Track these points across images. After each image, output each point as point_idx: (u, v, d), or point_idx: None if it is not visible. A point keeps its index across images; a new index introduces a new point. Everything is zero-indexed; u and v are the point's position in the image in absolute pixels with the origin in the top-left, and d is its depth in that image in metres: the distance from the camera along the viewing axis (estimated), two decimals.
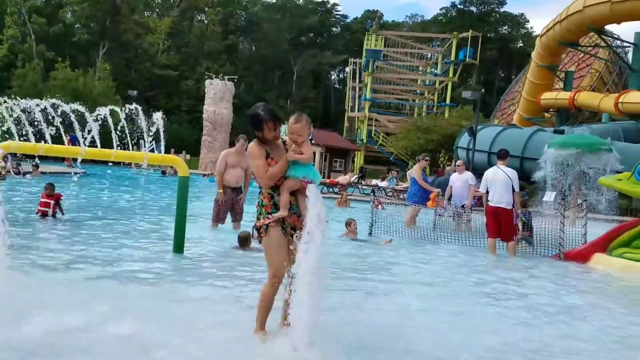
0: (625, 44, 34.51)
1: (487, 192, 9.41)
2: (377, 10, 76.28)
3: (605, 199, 15.03)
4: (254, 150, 3.86)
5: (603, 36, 31.98)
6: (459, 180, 12.25)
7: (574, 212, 11.74)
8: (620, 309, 6.06)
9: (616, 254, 8.76)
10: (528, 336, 4.58)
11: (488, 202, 9.35)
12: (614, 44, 34.99)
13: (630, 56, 32.97)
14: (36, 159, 10.93)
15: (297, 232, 3.72)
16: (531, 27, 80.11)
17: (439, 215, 11.97)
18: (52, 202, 9.56)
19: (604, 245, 9.03)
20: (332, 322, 4.17)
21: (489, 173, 9.46)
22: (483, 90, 53.58)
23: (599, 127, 28.27)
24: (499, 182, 9.19)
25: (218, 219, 9.09)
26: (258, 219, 3.88)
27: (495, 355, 4.01)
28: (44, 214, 9.52)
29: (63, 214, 9.81)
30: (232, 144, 10.03)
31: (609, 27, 33.06)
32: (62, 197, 9.98)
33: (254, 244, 7.69)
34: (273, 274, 3.74)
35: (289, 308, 3.57)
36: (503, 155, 9.75)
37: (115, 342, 3.58)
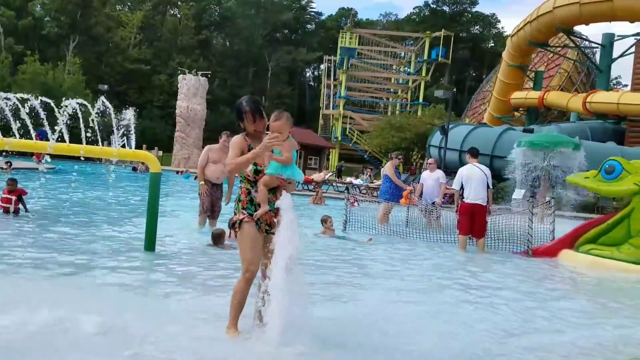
0: (594, 45, 35.32)
1: (462, 189, 9.43)
2: (352, 8, 76.71)
3: (572, 197, 15.40)
4: (234, 140, 3.86)
5: (572, 37, 32.64)
6: (430, 178, 12.39)
7: (542, 209, 11.99)
8: (584, 303, 6.22)
9: (583, 250, 8.97)
10: (494, 329, 4.66)
11: (463, 200, 9.35)
12: (582, 45, 35.75)
13: (598, 57, 33.77)
14: (3, 155, 10.64)
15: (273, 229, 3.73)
16: (502, 27, 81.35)
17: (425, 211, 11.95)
18: (13, 198, 9.28)
19: (571, 241, 9.24)
20: (308, 318, 4.18)
21: (464, 170, 9.44)
22: (455, 90, 54.44)
23: (567, 126, 28.92)
24: (475, 179, 9.23)
25: (203, 211, 9.00)
26: (235, 213, 3.87)
27: (459, 347, 4.08)
28: (6, 210, 9.24)
29: (27, 210, 9.54)
30: (206, 140, 9.95)
31: (578, 28, 33.76)
32: (25, 193, 9.70)
33: (227, 241, 7.66)
34: (246, 269, 3.73)
35: (263, 307, 3.57)
36: (476, 153, 9.80)
37: (83, 340, 3.52)
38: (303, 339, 3.58)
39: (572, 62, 38.70)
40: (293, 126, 3.92)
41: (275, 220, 3.78)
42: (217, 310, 4.27)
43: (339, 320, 4.54)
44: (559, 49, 36.91)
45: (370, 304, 5.25)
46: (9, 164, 20.91)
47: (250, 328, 3.82)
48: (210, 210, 9.00)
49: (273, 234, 3.75)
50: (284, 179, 3.80)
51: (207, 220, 9.04)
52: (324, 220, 9.95)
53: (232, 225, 3.88)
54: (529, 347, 4.24)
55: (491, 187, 9.47)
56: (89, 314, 3.87)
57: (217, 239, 7.59)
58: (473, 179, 9.23)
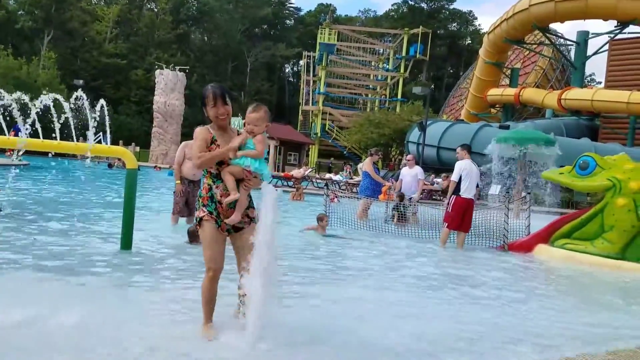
0: (569, 42, 35.91)
1: (459, 182, 9.31)
2: (331, 4, 76.63)
3: (547, 192, 15.64)
4: (197, 131, 3.70)
5: (547, 34, 33.11)
6: (409, 174, 12.48)
7: (517, 205, 12.16)
8: (557, 295, 6.34)
9: (558, 244, 9.13)
10: (467, 323, 4.72)
11: (460, 194, 9.28)
12: (557, 42, 36.30)
13: (572, 54, 34.32)
14: None
15: (244, 225, 3.70)
16: (479, 25, 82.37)
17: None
18: None
19: (546, 236, 9.40)
20: (283, 316, 4.17)
21: (465, 164, 9.36)
22: (433, 86, 54.77)
23: (542, 123, 29.38)
24: (474, 176, 9.35)
25: (175, 211, 8.83)
26: (196, 209, 3.75)
27: (431, 340, 4.12)
28: None
29: (0, 209, 9.18)
30: (184, 136, 9.76)
31: (553, 26, 34.27)
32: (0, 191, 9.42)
33: None
34: (207, 267, 3.66)
35: (242, 303, 3.56)
36: (470, 149, 9.81)
37: (55, 340, 3.46)
38: (278, 336, 3.59)
39: (548, 59, 39.27)
40: (271, 121, 3.80)
41: (237, 216, 3.66)
42: (192, 307, 4.24)
43: (314, 318, 4.54)
44: (534, 46, 37.41)
45: (346, 301, 5.26)
46: None
47: (227, 325, 3.79)
48: (187, 208, 8.85)
49: (240, 229, 3.71)
50: (250, 172, 3.66)
51: (185, 217, 8.92)
52: (320, 219, 9.79)
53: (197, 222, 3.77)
54: (507, 341, 4.30)
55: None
56: (61, 314, 3.82)
57: (193, 236, 7.47)
58: (473, 175, 9.30)
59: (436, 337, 4.23)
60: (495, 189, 15.08)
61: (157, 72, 40.63)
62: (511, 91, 33.59)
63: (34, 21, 51.90)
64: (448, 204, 9.49)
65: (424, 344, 4.03)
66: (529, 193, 11.20)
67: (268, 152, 3.81)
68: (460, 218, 9.30)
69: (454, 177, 9.43)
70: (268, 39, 74.25)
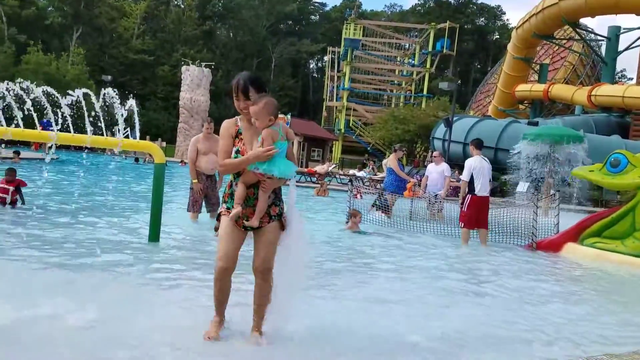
0: (599, 38, 35.13)
1: (471, 181, 9.14)
2: None
3: (576, 190, 15.35)
4: (223, 126, 3.60)
5: (577, 29, 32.44)
6: (435, 171, 12.37)
7: (546, 203, 11.95)
8: (586, 296, 6.21)
9: (587, 243, 8.95)
10: (491, 322, 4.67)
11: (475, 193, 9.09)
12: (588, 37, 35.56)
13: (603, 49, 33.57)
14: (3, 145, 10.53)
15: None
16: (507, 19, 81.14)
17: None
18: (11, 188, 8.85)
19: (575, 235, 9.21)
20: (308, 309, 4.17)
21: (475, 162, 9.17)
22: (459, 82, 54.12)
23: (572, 119, 28.83)
24: (487, 172, 9.16)
25: (194, 209, 8.72)
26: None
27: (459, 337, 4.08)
28: (2, 201, 8.80)
29: (23, 202, 9.13)
30: None
31: (584, 21, 33.55)
32: (25, 184, 9.30)
33: None
34: (217, 259, 3.52)
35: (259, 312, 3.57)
36: (481, 144, 9.61)
37: (82, 332, 3.51)
38: (300, 330, 3.59)
39: (578, 54, 38.49)
40: (278, 113, 3.54)
41: (255, 222, 3.49)
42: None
43: (337, 313, 4.53)
44: (564, 41, 36.70)
45: (370, 297, 5.24)
46: (17, 153, 20.97)
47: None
48: (209, 203, 8.78)
49: (259, 227, 3.56)
50: (262, 174, 3.43)
51: (209, 213, 8.88)
52: (353, 215, 9.69)
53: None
54: (533, 339, 4.23)
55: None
56: (88, 306, 3.87)
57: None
58: (484, 171, 9.10)
59: (460, 335, 4.18)
60: (523, 187, 14.85)
61: (184, 68, 41.01)
62: (540, 87, 33.02)
63: (63, 17, 52.89)
64: (463, 203, 9.27)
65: (447, 343, 4.00)
66: (558, 191, 11.00)
67: (287, 147, 3.54)
68: (476, 217, 9.13)
69: (465, 176, 9.22)
70: (293, 34, 74.34)
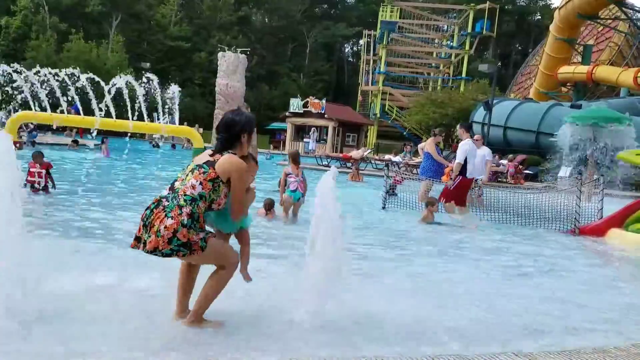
0: None
1: (464, 163, 9.50)
2: None
3: (622, 174, 14.85)
4: (243, 167, 3.50)
5: (624, 8, 31.20)
6: (477, 155, 12.14)
7: (589, 188, 11.62)
8: (629, 281, 6.04)
9: (633, 229, 8.69)
10: (533, 308, 4.62)
11: (466, 176, 9.53)
12: (634, 17, 34.15)
13: None
14: (52, 133, 10.80)
15: None
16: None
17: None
18: (42, 171, 8.80)
19: (620, 220, 8.98)
20: (346, 294, 4.18)
21: (468, 146, 9.56)
22: (499, 64, 52.84)
23: (617, 102, 27.75)
24: (479, 156, 10.08)
25: None
26: (190, 233, 3.29)
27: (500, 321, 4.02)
28: (33, 185, 8.73)
29: (54, 185, 9.10)
30: None
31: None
32: (52, 167, 9.18)
33: (277, 212, 8.18)
34: (233, 262, 3.59)
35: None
36: (471, 127, 10.15)
37: (126, 308, 3.64)
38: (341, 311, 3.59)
39: (623, 35, 37.02)
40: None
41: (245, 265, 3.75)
42: (257, 280, 4.32)
43: (373, 296, 4.55)
44: (609, 21, 35.38)
45: (408, 281, 5.22)
46: (75, 142, 21.74)
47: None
48: None
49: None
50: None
51: None
52: (430, 203, 9.39)
53: (184, 244, 3.27)
54: (575, 326, 4.15)
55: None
56: (132, 280, 4.01)
57: (269, 207, 8.07)
58: (477, 155, 9.69)
59: (501, 321, 4.13)
60: (565, 171, 14.45)
61: (220, 54, 41.06)
62: (583, 69, 31.97)
63: (102, 5, 53.79)
64: (453, 184, 9.58)
65: (485, 328, 3.95)
66: (602, 175, 10.68)
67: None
68: (460, 197, 9.57)
69: (460, 158, 9.53)
70: (328, 18, 73.76)
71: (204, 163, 3.47)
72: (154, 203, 3.40)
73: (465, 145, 9.57)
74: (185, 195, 3.36)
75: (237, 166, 3.45)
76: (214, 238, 3.52)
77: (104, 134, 19.14)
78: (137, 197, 9.60)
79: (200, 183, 3.39)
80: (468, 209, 9.87)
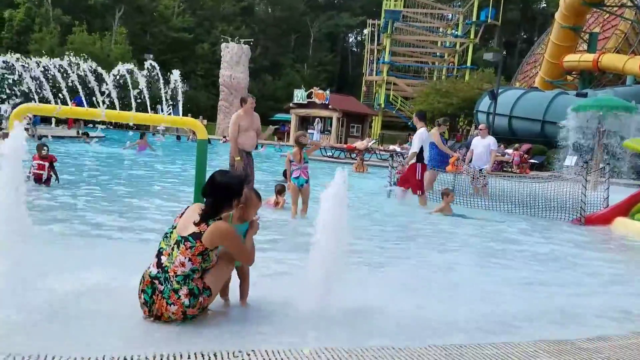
0: None
1: (421, 151, 9.82)
2: None
3: (627, 163, 14.79)
4: (231, 229, 3.42)
5: None
6: (481, 144, 12.09)
7: (595, 176, 11.56)
8: (636, 270, 6.02)
9: (639, 218, 8.64)
10: (541, 294, 4.61)
11: (424, 162, 9.87)
12: None
13: None
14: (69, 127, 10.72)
15: None
16: None
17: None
18: (46, 164, 8.78)
19: (626, 209, 8.94)
20: (354, 282, 4.17)
21: (423, 134, 9.89)
22: (504, 53, 52.33)
23: (623, 90, 27.53)
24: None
25: None
26: (193, 305, 3.27)
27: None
28: (38, 178, 8.71)
29: (58, 179, 9.12)
30: None
31: None
32: (55, 160, 9.19)
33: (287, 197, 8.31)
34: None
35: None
36: (425, 116, 10.66)
37: (134, 303, 3.62)
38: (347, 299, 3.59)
39: (630, 22, 36.63)
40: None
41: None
42: (263, 277, 4.32)
43: (382, 287, 4.53)
44: (615, 8, 35.02)
45: (415, 275, 5.21)
46: (86, 134, 21.87)
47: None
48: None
49: None
50: None
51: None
52: (445, 194, 9.23)
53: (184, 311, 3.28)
54: (588, 315, 4.13)
55: None
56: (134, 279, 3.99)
57: (282, 190, 8.40)
58: (428, 142, 10.02)
59: (505, 312, 4.12)
60: (571, 160, 14.38)
61: (223, 45, 41.18)
62: (589, 57, 31.71)
63: None
64: (416, 172, 9.82)
65: (489, 319, 3.95)
66: (608, 164, 10.61)
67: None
68: (427, 182, 10.03)
69: (416, 147, 9.91)
70: (331, 8, 73.37)
71: (189, 235, 3.27)
72: (147, 285, 3.29)
73: (421, 134, 9.95)
74: (176, 276, 3.24)
75: (224, 234, 3.33)
76: (212, 273, 3.40)
77: (139, 129, 19.43)
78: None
79: (190, 259, 3.25)
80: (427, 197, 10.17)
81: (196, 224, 3.30)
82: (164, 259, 3.31)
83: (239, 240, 3.47)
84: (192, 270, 3.26)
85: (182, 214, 3.46)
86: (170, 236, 3.37)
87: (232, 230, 3.39)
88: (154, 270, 3.31)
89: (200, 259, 3.27)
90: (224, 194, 3.38)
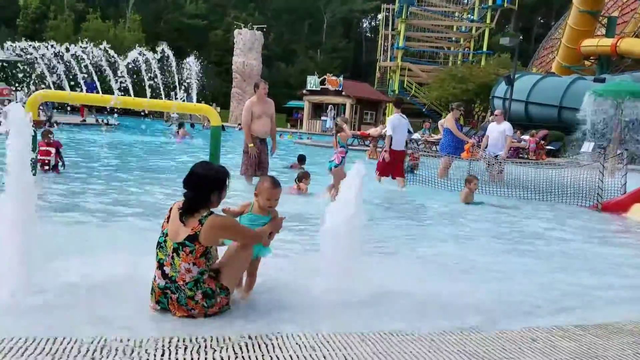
0: None
1: (391, 136, 10.02)
2: None
3: None
4: (225, 219, 3.36)
5: None
6: (496, 130, 11.98)
7: (613, 163, 11.40)
8: None
9: None
10: (559, 280, 4.60)
11: (391, 147, 9.99)
12: None
13: None
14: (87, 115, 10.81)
15: None
16: None
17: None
18: (52, 150, 8.67)
19: None
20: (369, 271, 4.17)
21: (395, 120, 10.11)
22: (521, 37, 51.57)
23: None
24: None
25: (250, 172, 8.71)
26: (212, 305, 3.22)
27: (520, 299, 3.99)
28: (45, 164, 8.59)
29: (64, 165, 9.00)
30: None
31: None
32: (61, 146, 9.10)
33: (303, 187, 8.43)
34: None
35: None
36: (401, 103, 10.76)
37: (141, 287, 3.63)
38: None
39: None
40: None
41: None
42: (277, 261, 4.33)
43: (395, 274, 4.52)
44: None
45: (428, 261, 5.20)
46: (105, 121, 22.08)
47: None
48: (260, 168, 8.71)
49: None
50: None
51: (260, 177, 8.87)
52: (468, 181, 9.01)
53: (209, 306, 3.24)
54: (604, 301, 4.10)
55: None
56: (144, 265, 4.01)
57: (306, 177, 8.50)
58: (401, 129, 10.12)
59: (521, 299, 4.09)
60: (588, 147, 14.19)
61: (236, 32, 41.09)
62: (607, 41, 31.16)
63: None
64: (384, 157, 10.06)
65: (504, 304, 3.93)
66: (626, 150, 10.45)
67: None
68: (391, 167, 10.05)
69: (389, 131, 10.16)
70: None
71: (185, 240, 3.15)
72: (160, 296, 3.21)
73: (393, 120, 10.22)
74: (186, 283, 3.16)
75: (222, 228, 3.24)
76: (226, 273, 3.33)
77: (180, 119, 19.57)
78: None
79: (194, 263, 3.16)
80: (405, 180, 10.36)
81: (185, 224, 3.17)
82: (167, 269, 3.21)
83: (239, 226, 3.40)
84: (200, 273, 3.19)
85: (168, 217, 3.32)
86: (165, 245, 3.23)
87: (228, 220, 3.34)
88: (161, 282, 3.22)
89: (204, 260, 3.20)
90: (201, 187, 3.21)
